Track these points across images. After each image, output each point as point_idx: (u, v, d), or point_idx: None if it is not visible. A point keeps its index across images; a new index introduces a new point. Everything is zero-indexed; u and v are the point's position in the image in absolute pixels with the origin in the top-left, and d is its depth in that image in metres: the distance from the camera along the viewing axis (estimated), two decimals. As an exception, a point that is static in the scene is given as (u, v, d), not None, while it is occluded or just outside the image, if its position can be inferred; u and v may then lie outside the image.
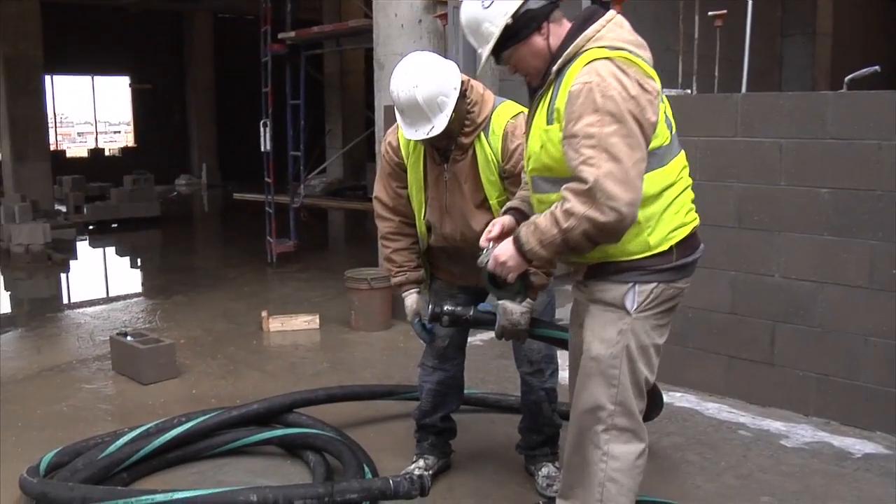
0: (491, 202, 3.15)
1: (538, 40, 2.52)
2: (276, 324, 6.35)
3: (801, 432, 4.22)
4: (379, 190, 3.44)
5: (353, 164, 16.49)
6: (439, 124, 2.99)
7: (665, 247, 2.51)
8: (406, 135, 3.09)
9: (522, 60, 2.57)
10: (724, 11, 4.84)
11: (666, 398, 4.16)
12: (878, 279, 4.11)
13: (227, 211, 16.17)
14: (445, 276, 3.46)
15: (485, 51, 2.56)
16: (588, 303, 2.61)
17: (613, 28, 2.48)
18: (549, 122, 2.47)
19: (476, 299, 3.29)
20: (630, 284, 2.51)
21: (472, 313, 3.04)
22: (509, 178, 3.12)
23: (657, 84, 2.45)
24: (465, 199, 3.17)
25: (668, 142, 2.50)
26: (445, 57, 6.03)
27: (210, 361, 5.61)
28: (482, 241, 2.67)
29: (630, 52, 2.42)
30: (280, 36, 8.80)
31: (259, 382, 5.15)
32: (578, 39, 2.45)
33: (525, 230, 2.48)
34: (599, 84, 2.31)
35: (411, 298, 3.42)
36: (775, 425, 4.31)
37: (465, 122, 3.11)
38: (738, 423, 4.36)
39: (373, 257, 7.48)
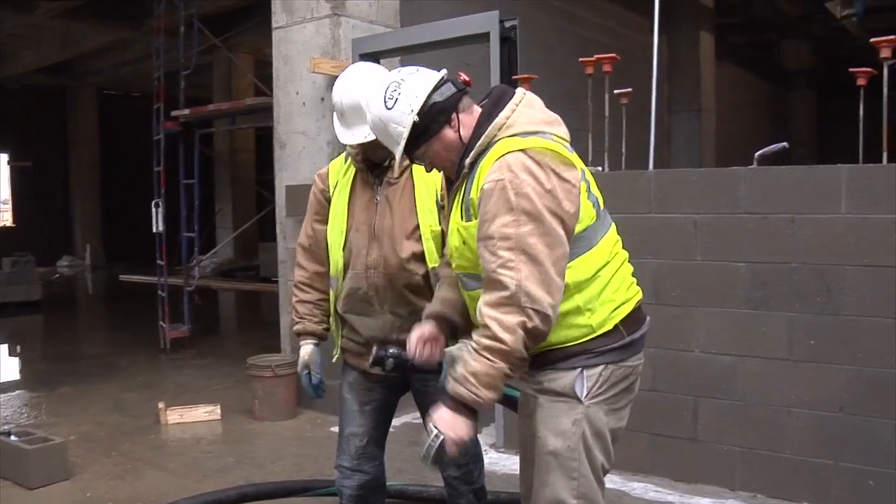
0: (423, 231, 3.00)
1: (449, 133, 2.38)
2: (174, 416, 5.96)
3: (730, 508, 4.17)
4: (301, 234, 3.29)
5: (244, 244, 16.10)
6: None
7: (610, 326, 2.40)
8: (342, 139, 2.99)
9: (437, 156, 2.43)
10: (630, 90, 4.91)
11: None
12: (798, 350, 4.13)
13: (114, 294, 15.44)
14: (355, 358, 3.21)
15: (396, 151, 2.42)
16: (536, 394, 2.45)
17: (524, 111, 2.37)
18: (467, 217, 2.35)
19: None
20: (578, 370, 2.37)
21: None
22: (444, 206, 2.97)
23: (576, 169, 2.33)
24: (395, 223, 3.01)
25: (593, 221, 2.39)
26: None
27: (104, 460, 5.17)
28: (409, 346, 2.53)
29: (544, 133, 2.33)
30: (174, 113, 8.53)
31: (160, 482, 4.76)
32: (489, 129, 2.32)
33: (465, 390, 2.22)
34: (512, 181, 2.19)
35: (306, 349, 3.21)
36: (704, 502, 4.24)
37: None
38: (666, 503, 4.26)
39: (270, 340, 7.19)
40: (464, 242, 2.37)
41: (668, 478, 4.51)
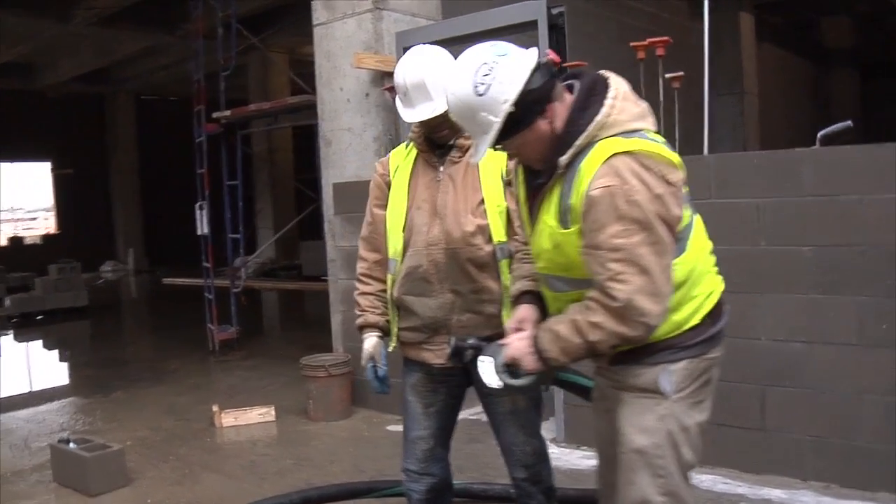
0: (488, 206, 2.92)
1: (542, 125, 2.23)
2: (228, 418, 5.94)
3: (804, 499, 4.04)
4: (363, 226, 3.26)
5: (284, 244, 16.14)
6: (442, 104, 2.81)
7: (696, 320, 2.33)
8: (406, 118, 2.97)
9: (525, 147, 2.28)
10: (682, 74, 4.79)
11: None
12: (869, 335, 3.99)
13: (158, 297, 15.59)
14: (413, 350, 3.13)
15: (483, 142, 2.25)
16: (618, 390, 2.39)
17: (623, 106, 2.22)
18: (564, 223, 2.22)
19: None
20: (661, 366, 2.30)
21: None
22: (512, 181, 2.85)
23: (680, 170, 2.22)
24: (458, 199, 2.95)
25: (687, 222, 2.30)
26: (397, 133, 5.92)
27: (162, 465, 5.16)
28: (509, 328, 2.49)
29: (642, 133, 2.21)
30: (215, 115, 8.52)
31: (219, 486, 4.74)
32: (590, 128, 2.17)
33: (546, 337, 2.28)
34: (622, 187, 2.09)
35: (370, 341, 3.14)
36: (775, 493, 4.11)
37: None
38: (738, 495, 4.15)
39: (317, 339, 7.17)
40: (556, 247, 2.28)
41: (736, 469, 4.39)
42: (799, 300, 4.16)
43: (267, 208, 17.50)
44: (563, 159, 2.21)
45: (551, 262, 2.34)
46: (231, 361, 8.44)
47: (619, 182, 2.09)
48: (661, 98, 4.70)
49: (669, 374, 2.30)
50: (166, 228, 19.45)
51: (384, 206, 3.14)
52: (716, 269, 2.46)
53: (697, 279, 2.34)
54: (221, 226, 9.19)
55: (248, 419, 5.97)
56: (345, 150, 6.17)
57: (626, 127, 2.19)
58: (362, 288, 3.21)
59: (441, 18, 6.38)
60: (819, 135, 4.21)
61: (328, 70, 6.23)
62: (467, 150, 2.99)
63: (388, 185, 3.15)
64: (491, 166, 2.96)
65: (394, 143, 6.08)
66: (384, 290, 3.18)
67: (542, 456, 3.20)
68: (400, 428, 5.47)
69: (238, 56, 9.71)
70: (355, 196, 6.03)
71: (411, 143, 3.12)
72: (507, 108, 2.18)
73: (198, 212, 8.71)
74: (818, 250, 4.10)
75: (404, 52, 5.59)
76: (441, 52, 2.97)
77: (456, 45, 5.76)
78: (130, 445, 5.49)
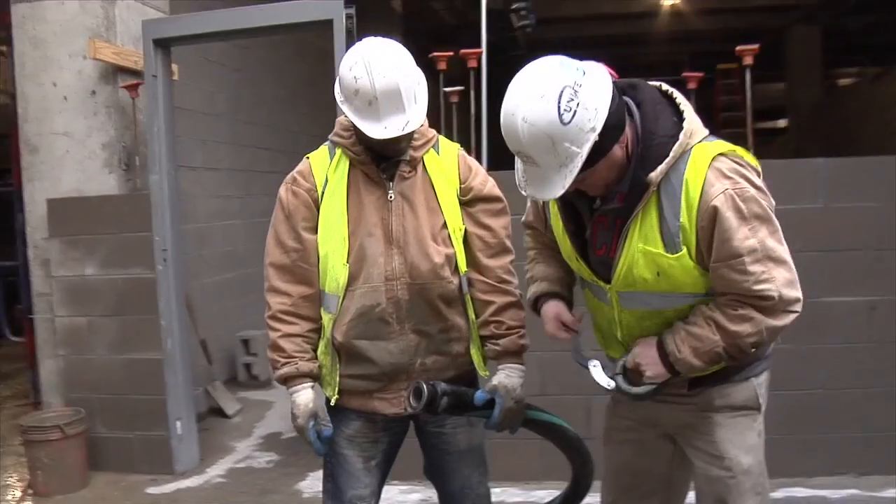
0: (452, 231, 2.54)
1: (618, 150, 2.04)
2: (-82, 507, 4.53)
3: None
4: (273, 249, 2.59)
5: None
6: (416, 116, 2.41)
7: None
8: (372, 133, 2.37)
9: (595, 176, 2.04)
10: (461, 88, 4.73)
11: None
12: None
13: None
14: (360, 399, 2.61)
15: (561, 176, 1.96)
16: (708, 413, 2.27)
17: (691, 111, 2.11)
18: (673, 248, 2.04)
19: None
20: (752, 380, 2.28)
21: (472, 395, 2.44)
22: (473, 201, 2.58)
23: (757, 166, 2.15)
24: (419, 223, 2.51)
25: None
26: (135, 140, 5.01)
27: None
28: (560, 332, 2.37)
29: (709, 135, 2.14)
30: None
31: None
32: (682, 137, 2.03)
33: (674, 338, 2.11)
34: (734, 188, 1.99)
35: (305, 395, 2.54)
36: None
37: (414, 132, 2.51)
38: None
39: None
40: (660, 274, 2.08)
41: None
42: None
43: None
44: (656, 175, 2.01)
45: (650, 287, 2.13)
46: None
47: (730, 183, 2.00)
48: (443, 112, 4.64)
49: (759, 388, 2.29)
50: None
51: (315, 230, 2.55)
52: None
53: None
54: None
55: (-54, 505, 4.62)
56: (60, 160, 5.06)
57: (704, 132, 2.11)
58: (286, 329, 2.56)
59: (168, 9, 5.55)
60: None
61: (35, 60, 5.03)
62: (417, 163, 2.55)
63: (317, 202, 2.56)
64: (445, 184, 2.57)
65: (129, 153, 5.15)
66: (313, 331, 2.60)
67: (490, 500, 2.86)
68: (163, 489, 4.74)
69: None
70: (80, 215, 5.00)
71: (338, 151, 2.56)
72: (593, 136, 1.94)
73: None
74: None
75: (155, 46, 4.79)
76: (402, 49, 2.44)
77: (218, 41, 5.10)
78: None
